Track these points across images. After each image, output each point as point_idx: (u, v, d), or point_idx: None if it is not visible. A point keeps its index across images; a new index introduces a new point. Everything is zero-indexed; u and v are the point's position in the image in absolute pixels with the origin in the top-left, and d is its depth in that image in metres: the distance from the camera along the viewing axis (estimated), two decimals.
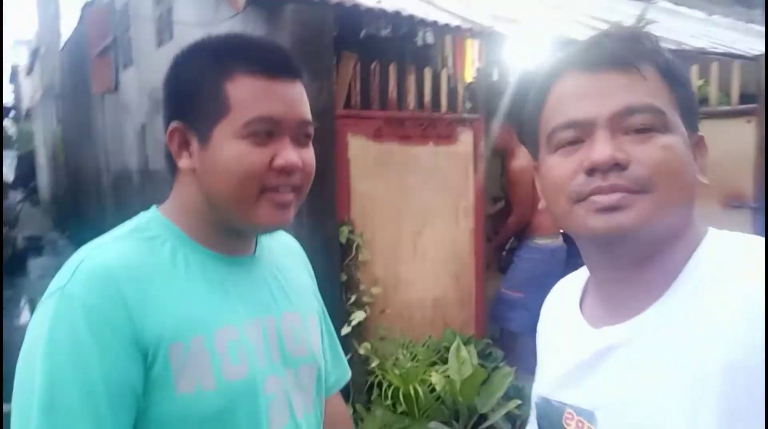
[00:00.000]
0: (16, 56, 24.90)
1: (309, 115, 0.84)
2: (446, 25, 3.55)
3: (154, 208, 0.88)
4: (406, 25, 3.86)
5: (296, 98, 0.82)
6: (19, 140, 21.60)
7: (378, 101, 3.25)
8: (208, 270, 0.83)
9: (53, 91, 12.40)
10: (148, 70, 5.78)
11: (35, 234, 11.20)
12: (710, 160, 0.70)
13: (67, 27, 9.82)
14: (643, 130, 0.63)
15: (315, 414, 0.93)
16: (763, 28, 6.83)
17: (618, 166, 0.62)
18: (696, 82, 3.62)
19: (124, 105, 6.78)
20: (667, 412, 0.59)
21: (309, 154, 0.84)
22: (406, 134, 3.31)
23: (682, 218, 0.65)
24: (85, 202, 9.51)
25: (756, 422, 0.54)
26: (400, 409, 2.88)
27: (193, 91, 0.81)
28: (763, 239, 0.63)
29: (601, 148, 0.63)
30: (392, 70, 3.28)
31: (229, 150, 0.78)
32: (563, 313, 0.78)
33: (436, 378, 2.87)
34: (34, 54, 15.68)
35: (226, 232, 0.85)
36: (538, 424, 0.78)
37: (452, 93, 3.53)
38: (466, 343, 3.21)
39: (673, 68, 0.67)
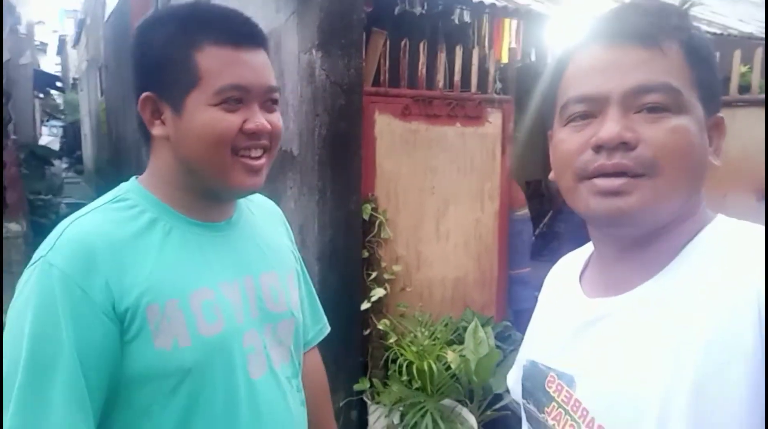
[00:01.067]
0: (63, 27, 25.55)
1: (274, 82, 0.90)
2: (481, 2, 3.49)
3: (133, 178, 0.94)
4: (442, 3, 3.81)
5: (262, 66, 0.87)
6: (65, 110, 22.28)
7: (407, 79, 3.24)
8: (185, 236, 0.89)
9: (98, 62, 12.72)
10: None
11: (77, 201, 11.63)
12: (747, 150, 0.73)
13: None
14: (656, 110, 0.62)
15: (291, 364, 1.01)
16: None
17: (625, 145, 0.62)
18: (739, 68, 3.49)
19: None
20: (642, 383, 0.60)
21: (276, 118, 0.90)
22: (434, 113, 3.29)
23: (687, 202, 0.65)
24: (126, 172, 9.81)
25: (728, 406, 0.54)
26: (415, 386, 2.92)
27: (163, 61, 0.85)
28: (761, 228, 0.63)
29: (610, 126, 0.62)
30: (422, 48, 3.26)
31: (203, 117, 0.83)
32: (563, 284, 0.79)
33: (451, 356, 2.90)
34: (80, 25, 16.06)
35: (203, 197, 0.91)
36: (523, 385, 0.80)
37: (483, 73, 3.49)
38: (484, 324, 3.22)
39: (698, 46, 0.65)
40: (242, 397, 0.88)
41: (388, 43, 3.21)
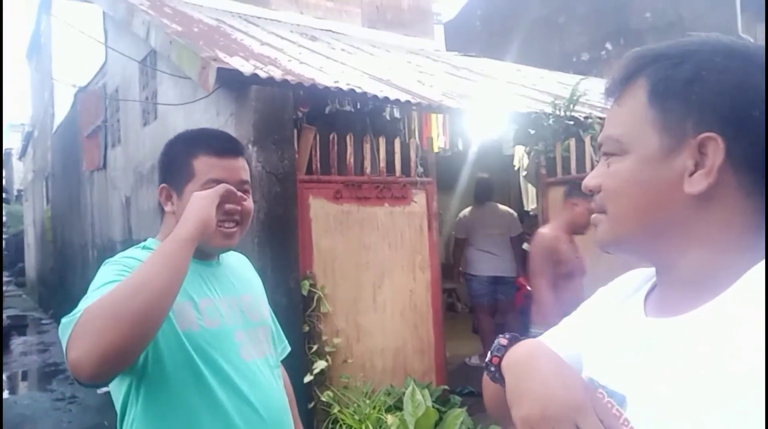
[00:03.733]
0: (8, 141, 25.56)
1: (246, 177, 1.32)
2: (398, 100, 3.98)
3: (150, 238, 1.35)
4: (369, 102, 4.30)
5: (237, 167, 1.29)
6: (8, 222, 21.80)
7: (336, 167, 3.61)
8: (198, 267, 1.28)
9: (44, 172, 12.82)
10: (135, 148, 6.17)
11: (19, 313, 11.25)
12: None
13: (61, 110, 10.36)
14: (609, 155, 0.71)
15: (272, 357, 1.38)
16: None
17: (593, 190, 0.72)
18: None
19: (111, 181, 7.14)
20: (692, 412, 0.58)
21: (247, 202, 1.29)
22: (364, 196, 3.65)
23: (654, 230, 0.67)
24: (70, 279, 9.67)
25: None
26: None
27: (174, 164, 1.30)
28: None
29: (587, 176, 0.74)
30: (349, 140, 3.67)
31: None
32: (628, 299, 0.78)
33: (391, 419, 3.05)
34: (28, 137, 16.24)
35: (198, 248, 1.20)
36: None
37: (405, 160, 3.90)
38: (422, 388, 3.40)
39: (664, 79, 0.66)
40: (240, 370, 1.24)
41: (318, 136, 3.60)
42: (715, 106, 0.64)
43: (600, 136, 0.73)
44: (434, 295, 3.84)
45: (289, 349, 1.55)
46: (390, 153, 3.84)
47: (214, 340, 1.23)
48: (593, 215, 0.73)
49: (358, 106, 4.36)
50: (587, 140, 4.11)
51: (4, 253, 20.09)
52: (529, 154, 4.66)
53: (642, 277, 0.79)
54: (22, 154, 17.88)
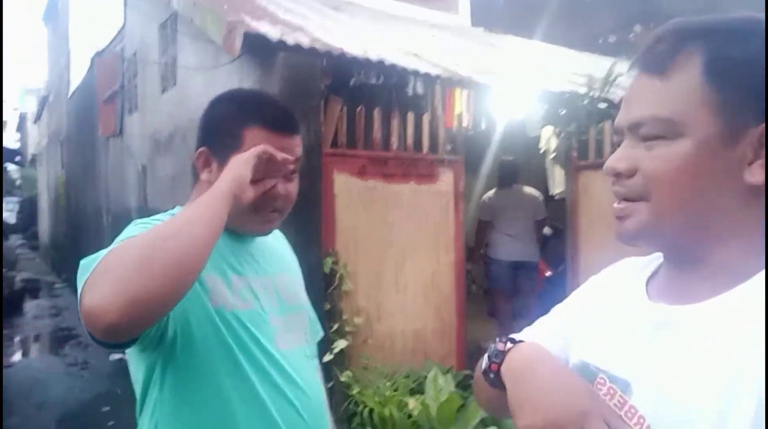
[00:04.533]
0: (24, 105, 25.60)
1: (298, 157, 1.13)
2: (427, 74, 3.83)
3: (179, 206, 1.19)
4: (395, 75, 4.15)
5: (293, 147, 1.11)
6: (22, 186, 21.93)
7: (363, 142, 3.49)
8: (229, 241, 1.11)
9: (59, 136, 12.78)
10: (152, 115, 6.06)
11: (33, 277, 11.31)
12: None
13: (77, 75, 10.25)
14: (651, 138, 0.64)
15: (309, 347, 1.23)
16: None
17: (621, 175, 0.66)
18: None
19: (127, 148, 7.05)
20: (703, 398, 0.58)
21: (292, 186, 1.13)
22: (389, 172, 3.52)
23: (698, 215, 0.64)
24: (84, 244, 9.68)
25: None
26: None
27: (221, 128, 1.12)
28: None
29: (611, 158, 0.68)
30: (377, 114, 3.53)
31: None
32: (627, 285, 0.76)
33: (413, 403, 2.97)
34: (43, 102, 16.19)
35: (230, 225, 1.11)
36: None
37: (433, 137, 3.76)
38: (444, 373, 3.32)
39: (722, 58, 0.62)
40: (277, 362, 1.09)
41: (345, 109, 3.47)
42: (753, 100, 0.61)
43: (632, 115, 0.66)
44: (458, 278, 3.73)
45: (321, 333, 1.38)
46: (417, 129, 3.70)
47: (249, 323, 1.08)
48: (622, 204, 0.67)
49: (383, 80, 4.21)
50: None
51: (18, 215, 20.24)
52: (558, 135, 4.49)
53: (639, 264, 0.78)
54: (38, 118, 17.86)
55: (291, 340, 1.15)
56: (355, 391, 3.14)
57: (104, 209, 8.20)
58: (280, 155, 1.05)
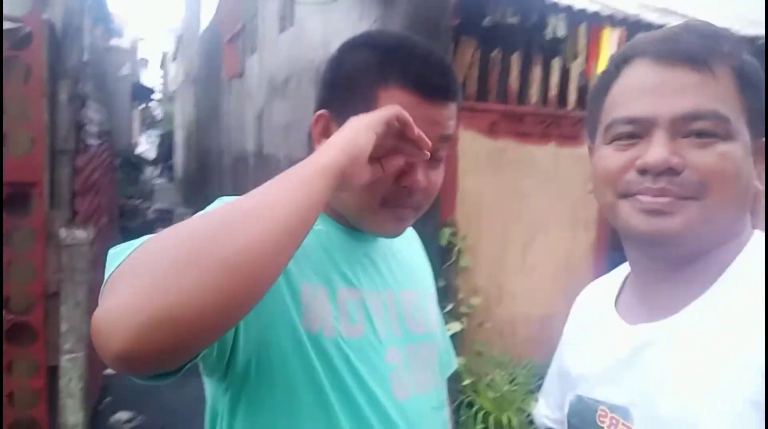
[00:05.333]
0: (165, 44, 27.36)
1: (452, 131, 0.82)
2: (582, 10, 3.16)
3: None
4: (536, 13, 3.51)
5: (444, 118, 0.80)
6: (163, 120, 23.73)
7: (496, 93, 2.97)
8: (331, 235, 0.84)
9: (192, 75, 13.34)
10: (270, 57, 5.91)
11: (166, 207, 12.16)
12: None
13: (207, 14, 10.46)
14: (704, 135, 0.63)
15: (437, 393, 0.90)
16: None
17: (670, 170, 0.63)
18: None
19: (246, 90, 7.03)
20: (702, 409, 0.60)
21: (436, 174, 0.84)
22: (525, 131, 3.00)
23: (732, 223, 0.66)
24: (210, 182, 10.12)
25: None
26: None
27: (348, 86, 0.81)
28: None
29: (658, 151, 0.63)
30: (515, 60, 2.97)
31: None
32: (596, 312, 0.79)
33: (534, 406, 2.55)
34: (178, 40, 17.01)
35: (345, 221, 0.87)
36: (568, 422, 0.78)
37: (582, 89, 3.15)
38: None
39: (748, 71, 0.65)
40: (389, 417, 0.79)
41: (477, 54, 2.95)
42: (763, 115, 0.67)
43: (682, 106, 0.63)
44: (597, 260, 3.17)
45: (455, 366, 1.06)
46: (562, 80, 3.10)
47: (355, 357, 0.78)
48: (665, 199, 0.63)
49: (519, 18, 3.58)
50: None
51: (158, 149, 21.99)
52: None
53: (602, 288, 0.82)
54: (175, 57, 18.90)
55: (413, 384, 0.84)
56: (466, 382, 2.78)
57: (226, 152, 8.39)
58: (416, 130, 0.72)
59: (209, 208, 0.71)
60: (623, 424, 0.67)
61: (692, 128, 0.63)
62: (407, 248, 0.99)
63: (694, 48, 0.64)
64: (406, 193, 0.79)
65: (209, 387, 0.81)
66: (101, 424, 3.08)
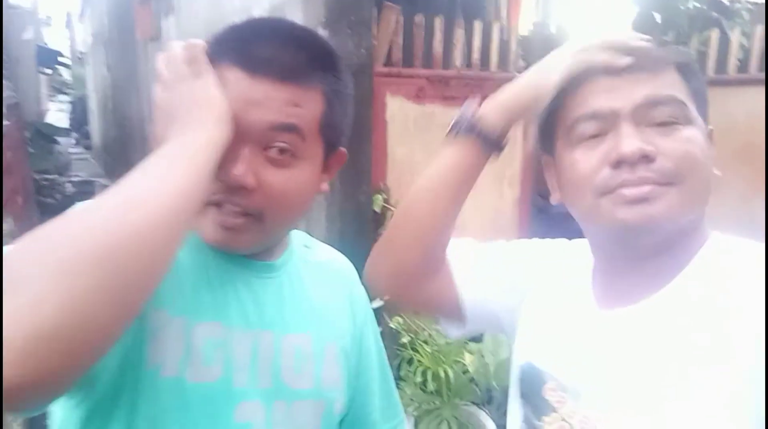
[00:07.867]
0: (70, 3, 25.16)
1: (290, 120, 0.67)
2: None
3: None
4: None
5: (273, 106, 0.66)
6: (73, 85, 22.09)
7: (421, 59, 2.99)
8: (214, 263, 0.72)
9: (103, 37, 12.46)
10: (188, 19, 5.62)
11: (85, 178, 11.48)
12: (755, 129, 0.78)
13: None
14: (667, 123, 0.65)
15: None
16: None
17: (645, 159, 0.64)
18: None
19: None
20: (662, 396, 0.60)
21: (277, 174, 0.68)
22: (451, 95, 3.05)
23: (702, 209, 0.67)
24: (132, 151, 9.63)
25: (756, 410, 0.55)
26: (430, 388, 2.75)
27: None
28: (760, 244, 0.64)
29: (629, 141, 0.64)
30: (438, 23, 3.00)
31: None
32: (573, 291, 0.77)
33: (469, 359, 2.72)
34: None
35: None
36: (520, 384, 0.78)
37: (504, 49, 3.22)
38: None
39: (688, 62, 0.70)
40: None
41: (401, 19, 2.95)
42: (707, 103, 0.72)
43: (642, 94, 0.66)
44: (523, 215, 3.33)
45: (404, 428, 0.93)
46: (484, 41, 3.15)
47: (196, 409, 0.66)
48: (647, 187, 0.64)
49: None
50: (735, 34, 3.27)
51: (71, 116, 20.52)
52: None
53: (578, 263, 0.79)
54: (81, 16, 17.50)
55: None
56: (404, 340, 2.90)
57: (147, 119, 8.01)
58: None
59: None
60: (572, 404, 0.67)
61: (654, 115, 0.65)
62: (326, 288, 0.84)
63: (641, 58, 0.69)
64: (228, 191, 0.66)
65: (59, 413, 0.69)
66: None
